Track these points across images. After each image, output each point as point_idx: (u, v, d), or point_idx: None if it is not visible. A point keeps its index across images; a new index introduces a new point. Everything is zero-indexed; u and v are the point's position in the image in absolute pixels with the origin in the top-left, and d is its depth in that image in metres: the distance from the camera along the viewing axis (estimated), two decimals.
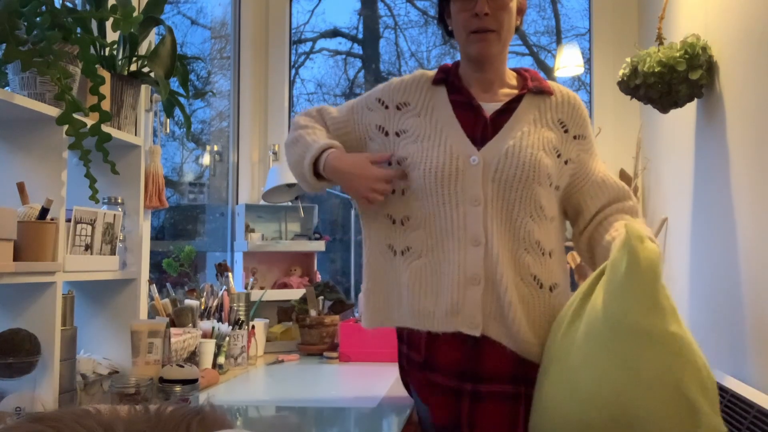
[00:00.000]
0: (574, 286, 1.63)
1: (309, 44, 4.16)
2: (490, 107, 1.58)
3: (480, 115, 1.57)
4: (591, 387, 1.27)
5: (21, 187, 1.44)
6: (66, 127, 1.42)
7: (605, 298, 1.27)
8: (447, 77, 1.63)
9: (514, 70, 1.69)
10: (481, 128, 1.56)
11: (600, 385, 1.25)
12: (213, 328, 2.17)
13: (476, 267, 1.48)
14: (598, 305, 1.28)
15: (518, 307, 1.47)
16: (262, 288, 2.85)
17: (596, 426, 1.26)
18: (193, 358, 1.98)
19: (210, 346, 2.10)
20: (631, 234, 1.28)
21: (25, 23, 1.38)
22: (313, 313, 2.61)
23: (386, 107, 1.64)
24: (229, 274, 2.53)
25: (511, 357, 1.48)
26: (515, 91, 1.62)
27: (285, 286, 2.92)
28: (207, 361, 2.07)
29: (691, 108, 2.14)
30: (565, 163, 1.58)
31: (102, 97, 1.47)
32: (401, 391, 1.78)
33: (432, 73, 1.67)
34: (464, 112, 1.58)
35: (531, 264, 1.50)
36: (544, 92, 1.61)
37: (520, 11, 1.63)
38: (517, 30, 1.65)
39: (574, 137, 1.60)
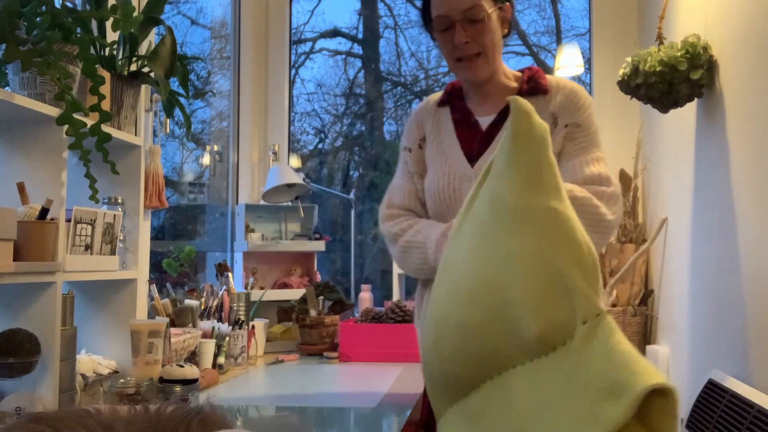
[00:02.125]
0: None
1: (309, 44, 4.16)
2: (486, 120, 1.59)
3: (477, 130, 1.59)
4: (469, 284, 1.14)
5: (21, 187, 1.43)
6: (66, 127, 1.42)
7: (489, 182, 1.19)
8: (450, 97, 1.65)
9: (519, 70, 1.66)
10: (478, 143, 1.57)
11: (477, 279, 1.12)
12: (213, 328, 2.17)
13: None
14: (484, 193, 1.20)
15: None
16: (262, 288, 2.84)
17: (475, 326, 1.13)
18: (193, 358, 1.98)
19: (210, 346, 2.10)
20: (515, 108, 1.19)
21: (25, 23, 1.38)
22: (313, 313, 2.61)
23: (410, 151, 1.67)
24: (229, 274, 2.53)
25: None
26: None
27: (285, 286, 2.92)
28: (207, 361, 2.07)
29: (691, 108, 2.13)
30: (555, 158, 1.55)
31: (102, 97, 1.47)
32: (401, 391, 1.78)
33: (439, 95, 1.70)
34: (464, 130, 1.60)
35: None
36: (539, 92, 1.57)
37: (505, 21, 1.58)
38: (507, 36, 1.61)
39: (565, 126, 1.54)
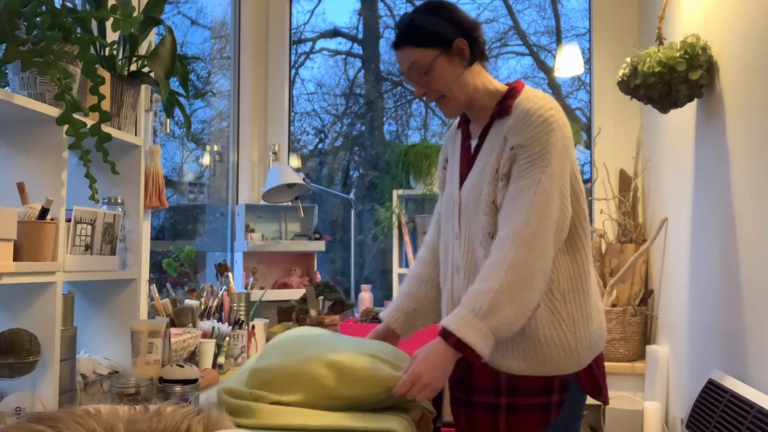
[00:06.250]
0: None
1: (309, 44, 4.16)
2: (474, 143, 1.64)
3: (469, 153, 1.65)
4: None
5: (21, 187, 1.44)
6: (66, 127, 1.42)
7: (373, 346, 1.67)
8: (462, 120, 1.71)
9: (507, 84, 1.63)
10: (466, 167, 1.64)
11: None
12: (213, 328, 2.17)
13: (460, 291, 1.59)
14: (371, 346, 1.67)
15: None
16: (262, 288, 2.85)
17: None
18: (193, 358, 1.98)
19: (210, 346, 2.10)
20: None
21: (25, 23, 1.38)
22: (313, 313, 2.61)
23: (443, 169, 1.77)
24: (229, 274, 2.53)
25: (490, 371, 1.54)
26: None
27: (285, 286, 2.92)
28: (207, 361, 2.07)
29: (691, 108, 2.13)
30: (502, 180, 1.51)
31: (102, 97, 1.47)
32: None
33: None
34: (464, 153, 1.67)
35: None
36: (503, 114, 1.54)
37: (460, 55, 1.54)
38: (477, 61, 1.57)
39: (511, 148, 1.50)
